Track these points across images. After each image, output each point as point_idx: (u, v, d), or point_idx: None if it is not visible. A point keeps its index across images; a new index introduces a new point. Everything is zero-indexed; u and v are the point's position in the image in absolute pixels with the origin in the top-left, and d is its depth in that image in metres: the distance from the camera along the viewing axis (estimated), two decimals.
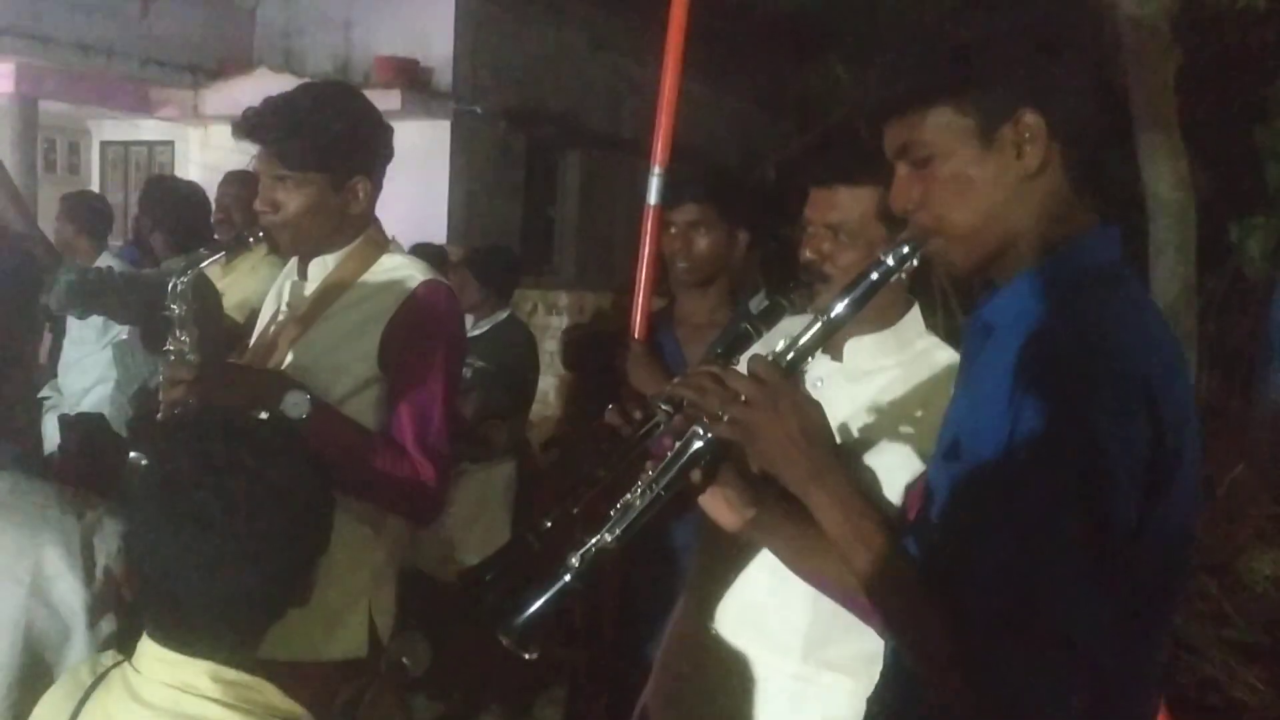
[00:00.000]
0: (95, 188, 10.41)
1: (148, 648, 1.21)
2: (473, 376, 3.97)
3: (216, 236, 3.80)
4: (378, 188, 2.07)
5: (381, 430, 2.01)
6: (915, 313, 1.73)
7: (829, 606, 1.60)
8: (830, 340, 1.70)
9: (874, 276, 1.25)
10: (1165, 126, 6.77)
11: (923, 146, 1.20)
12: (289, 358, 2.04)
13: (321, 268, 2.07)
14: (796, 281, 1.71)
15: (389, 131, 2.07)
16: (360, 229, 2.07)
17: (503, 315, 4.18)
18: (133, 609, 1.34)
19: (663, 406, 1.51)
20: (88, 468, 1.82)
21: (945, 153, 1.19)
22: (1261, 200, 6.94)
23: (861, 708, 1.70)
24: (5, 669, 1.32)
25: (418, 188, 9.89)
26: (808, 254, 1.70)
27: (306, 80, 2.16)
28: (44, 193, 9.73)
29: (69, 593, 1.34)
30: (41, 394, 4.05)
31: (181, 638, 1.19)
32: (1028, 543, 1.05)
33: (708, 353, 1.74)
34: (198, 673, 1.17)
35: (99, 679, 1.23)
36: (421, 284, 2.02)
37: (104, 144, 11.94)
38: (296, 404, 1.89)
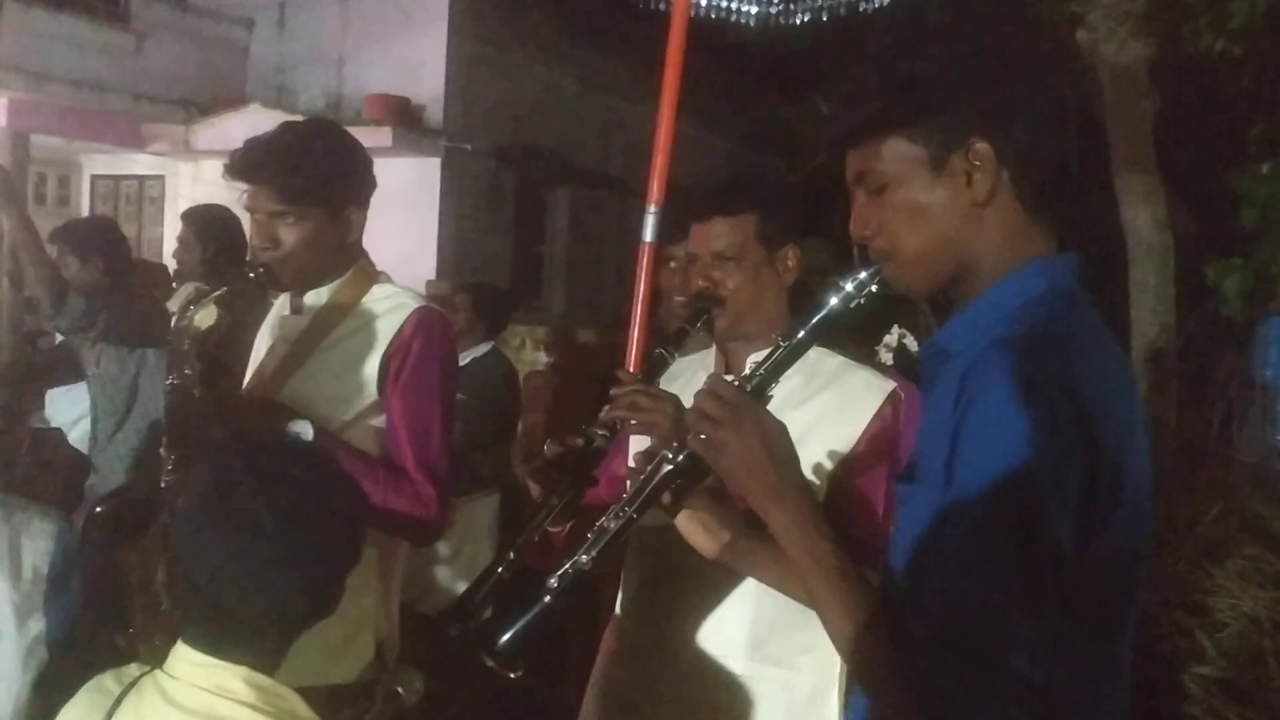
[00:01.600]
0: (86, 219, 10.42)
1: (183, 652, 1.25)
2: (456, 409, 4.00)
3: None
4: (366, 218, 2.13)
5: (382, 455, 2.04)
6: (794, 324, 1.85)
7: (770, 603, 1.67)
8: (731, 361, 1.87)
9: (834, 302, 1.29)
10: (1144, 169, 6.89)
11: (878, 175, 1.25)
12: (288, 389, 2.08)
13: (316, 299, 2.11)
14: (697, 310, 1.84)
15: (371, 163, 2.15)
16: (353, 260, 2.12)
17: (485, 348, 4.23)
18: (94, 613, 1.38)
19: (599, 432, 1.62)
20: (50, 482, 1.87)
21: (898, 181, 1.24)
22: (1238, 242, 7.04)
23: (808, 698, 1.76)
24: None
25: (408, 224, 9.95)
26: (699, 283, 1.85)
27: (288, 119, 2.22)
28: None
29: None
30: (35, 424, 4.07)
31: (218, 643, 1.24)
32: (964, 567, 1.08)
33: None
34: (232, 676, 1.22)
35: (129, 687, 1.26)
36: (415, 310, 2.07)
37: (95, 177, 11.97)
38: (300, 433, 1.93)
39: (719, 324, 1.85)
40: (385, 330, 2.05)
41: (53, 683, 1.39)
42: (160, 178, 11.22)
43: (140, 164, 11.15)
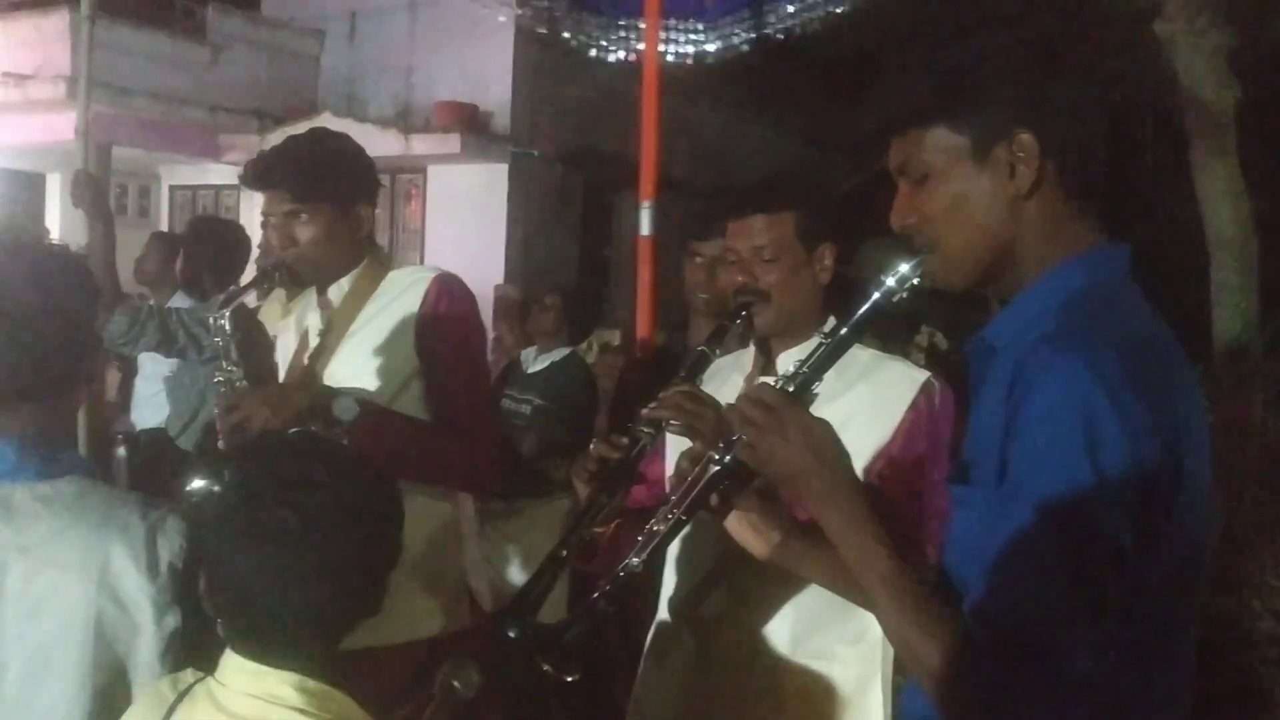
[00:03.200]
0: (165, 230, 10.69)
1: (231, 660, 1.26)
2: (532, 414, 4.02)
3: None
4: (375, 213, 2.30)
5: (432, 415, 2.18)
6: (831, 321, 1.83)
7: (812, 597, 1.69)
8: (766, 356, 1.88)
9: (876, 297, 1.27)
10: (1225, 163, 6.70)
11: (920, 165, 1.24)
12: (328, 376, 2.21)
13: (339, 291, 2.25)
14: (738, 306, 1.85)
15: (374, 165, 2.31)
16: (367, 252, 2.28)
17: (563, 352, 4.22)
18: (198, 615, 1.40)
19: (645, 430, 1.64)
20: (150, 480, 1.94)
21: (941, 171, 1.23)
22: None
23: (853, 690, 1.75)
24: (80, 661, 1.39)
25: (477, 229, 10.06)
26: (739, 279, 1.85)
27: (358, 127, 2.39)
28: (117, 236, 10.00)
29: (135, 589, 1.40)
30: (117, 429, 4.20)
31: (264, 650, 1.24)
32: (1023, 569, 1.06)
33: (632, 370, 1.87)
34: (281, 683, 1.22)
35: (183, 694, 1.28)
36: (435, 279, 2.23)
37: (173, 188, 12.27)
38: (346, 408, 2.05)
39: (759, 320, 1.85)
40: (410, 302, 2.19)
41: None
42: (236, 187, 11.43)
43: (216, 174, 11.40)
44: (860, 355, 1.82)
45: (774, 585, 1.74)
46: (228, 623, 1.27)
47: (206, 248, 4.04)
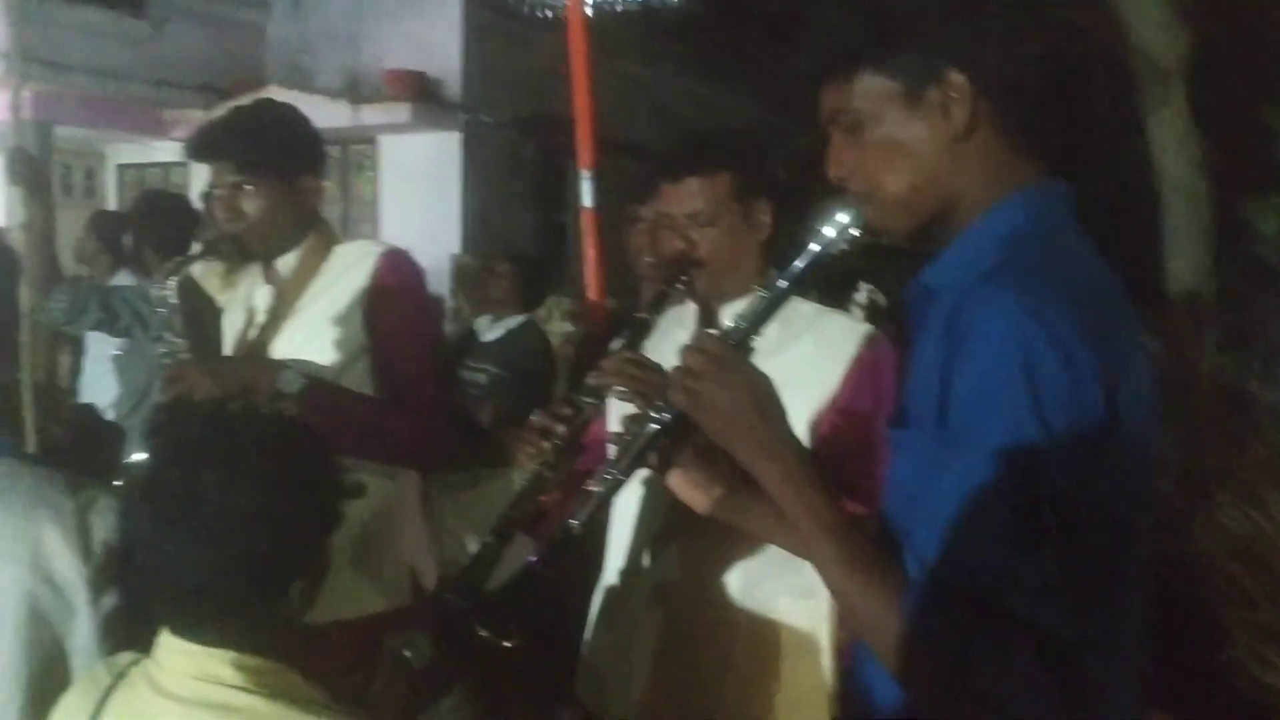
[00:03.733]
0: (114, 210, 10.50)
1: (167, 641, 1.22)
2: (489, 383, 3.98)
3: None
4: (322, 185, 2.27)
5: (379, 392, 2.15)
6: (773, 275, 1.84)
7: (760, 552, 1.70)
8: (707, 315, 1.85)
9: (815, 249, 1.24)
10: (1175, 109, 6.75)
11: (851, 112, 1.21)
12: (274, 352, 2.18)
13: (286, 265, 2.22)
14: (678, 271, 1.82)
15: (320, 136, 2.28)
16: (313, 225, 2.24)
17: (518, 321, 4.18)
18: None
19: (587, 399, 1.62)
20: (83, 457, 1.90)
21: (873, 118, 1.19)
22: (1275, 180, 6.89)
23: (799, 642, 1.74)
24: (15, 645, 1.36)
25: (430, 199, 9.96)
26: (676, 245, 1.82)
27: (307, 100, 2.33)
28: (62, 216, 9.79)
29: (69, 570, 1.37)
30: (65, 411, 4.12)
31: (197, 629, 1.21)
32: (961, 511, 1.04)
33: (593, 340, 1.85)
34: (220, 662, 1.19)
35: (119, 677, 1.24)
36: (383, 254, 2.20)
37: (120, 167, 12.03)
38: (291, 380, 2.03)
39: (698, 285, 1.83)
40: (358, 277, 2.16)
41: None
42: (184, 165, 11.20)
43: (163, 151, 11.17)
44: (803, 309, 1.81)
45: (720, 542, 1.73)
46: (158, 602, 1.24)
47: (153, 223, 3.95)
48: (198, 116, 10.29)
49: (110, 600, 1.39)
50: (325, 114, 6.88)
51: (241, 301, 2.34)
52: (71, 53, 9.05)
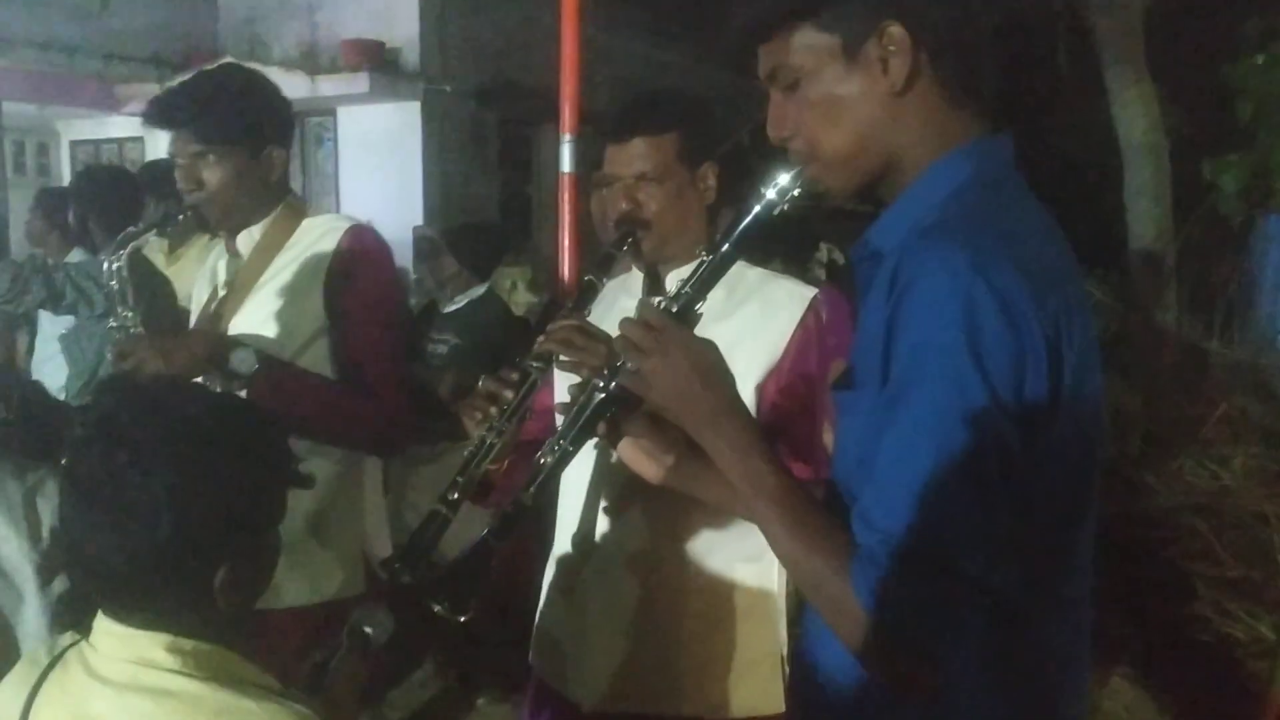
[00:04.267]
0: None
1: (101, 623, 1.19)
2: (448, 353, 3.95)
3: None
4: (290, 156, 2.18)
5: (336, 374, 2.09)
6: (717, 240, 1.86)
7: (710, 518, 1.71)
8: (654, 278, 1.84)
9: (756, 210, 1.22)
10: (1135, 68, 6.76)
11: (789, 70, 1.18)
12: (233, 328, 2.11)
13: (249, 239, 2.15)
14: (622, 234, 1.80)
15: (289, 104, 2.19)
16: (280, 197, 2.16)
17: (479, 291, 4.15)
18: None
19: (534, 365, 1.60)
20: (28, 435, 1.84)
21: (811, 74, 1.17)
22: (1235, 138, 6.94)
23: (749, 607, 1.78)
24: None
25: (391, 170, 9.84)
26: (623, 206, 1.80)
27: (201, 69, 2.25)
28: (15, 195, 9.61)
29: (15, 554, 1.34)
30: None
31: (129, 611, 1.17)
32: (906, 470, 1.03)
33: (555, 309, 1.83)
34: (153, 645, 1.16)
35: (56, 659, 1.21)
36: (348, 230, 2.12)
37: (74, 143, 11.79)
38: (244, 359, 1.96)
39: (644, 247, 1.81)
40: (321, 255, 2.09)
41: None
42: (140, 139, 11.04)
43: (117, 126, 10.97)
44: (748, 274, 1.80)
45: (671, 508, 1.71)
46: (85, 583, 1.20)
47: (94, 199, 3.88)
48: (151, 90, 10.10)
49: (59, 585, 1.36)
50: (283, 85, 6.73)
51: (207, 275, 2.28)
52: (17, 27, 8.83)
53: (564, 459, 1.35)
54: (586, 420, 1.33)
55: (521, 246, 10.59)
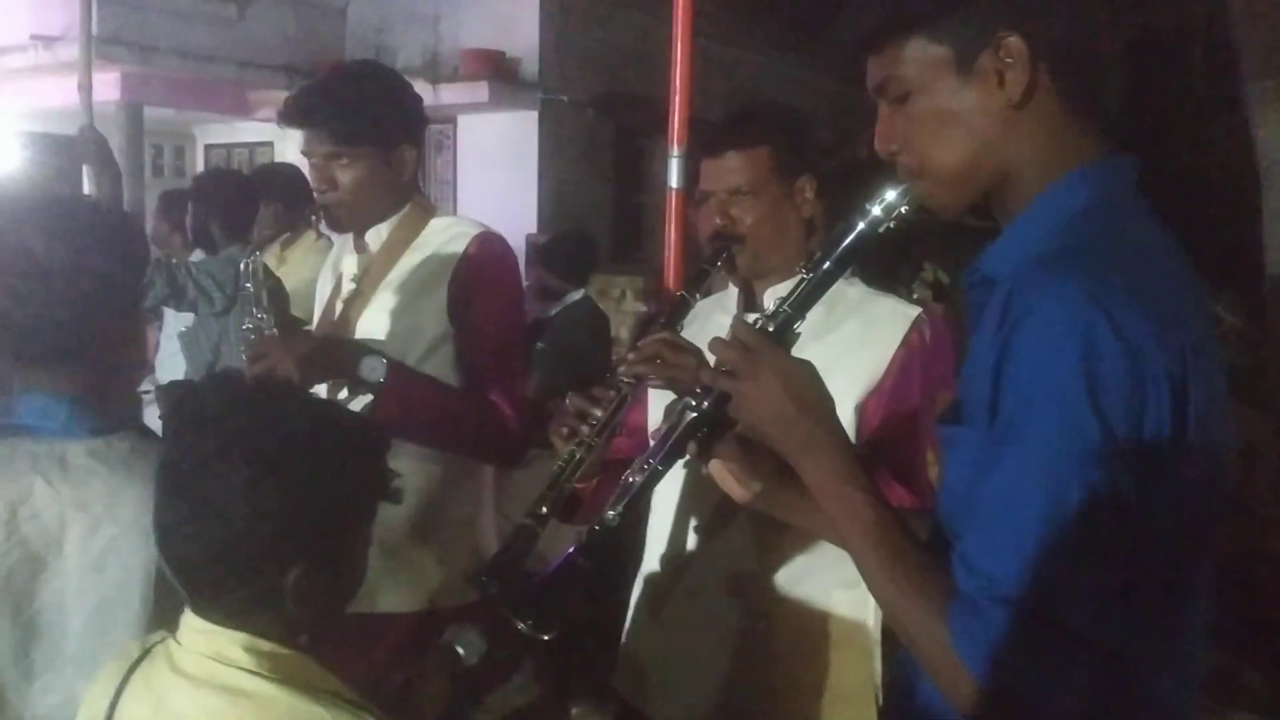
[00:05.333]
0: None
1: (189, 619, 1.21)
2: (537, 357, 3.99)
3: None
4: (421, 155, 2.17)
5: (459, 382, 2.07)
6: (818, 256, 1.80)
7: (806, 542, 1.66)
8: (749, 295, 1.80)
9: (861, 227, 1.18)
10: (1278, 86, 6.43)
11: (899, 82, 1.13)
12: (358, 328, 2.11)
13: (377, 237, 2.14)
14: (716, 250, 1.77)
15: (421, 101, 2.17)
16: (409, 195, 2.15)
17: (575, 296, 4.19)
18: None
19: (625, 381, 1.57)
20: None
21: (923, 87, 1.12)
22: None
23: (845, 633, 1.73)
24: (141, 616, 1.36)
25: (507, 178, 9.99)
26: (716, 221, 1.77)
27: (335, 68, 2.26)
28: (152, 196, 10.06)
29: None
30: (142, 388, 4.21)
31: (207, 606, 1.19)
32: (1014, 516, 0.96)
33: (651, 323, 1.80)
34: (231, 643, 1.17)
35: (145, 653, 1.24)
36: (476, 237, 2.10)
37: (207, 147, 12.31)
38: (373, 368, 1.96)
39: (739, 262, 1.77)
40: (448, 258, 2.07)
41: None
42: (269, 144, 11.46)
43: (248, 131, 11.41)
44: (849, 291, 1.76)
45: (765, 530, 1.68)
46: (174, 574, 1.22)
47: (212, 202, 4.02)
48: (281, 97, 10.41)
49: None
50: None
51: (328, 271, 2.30)
52: (160, 36, 9.24)
53: (653, 478, 1.32)
54: (677, 440, 1.30)
55: (632, 256, 10.65)
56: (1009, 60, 1.08)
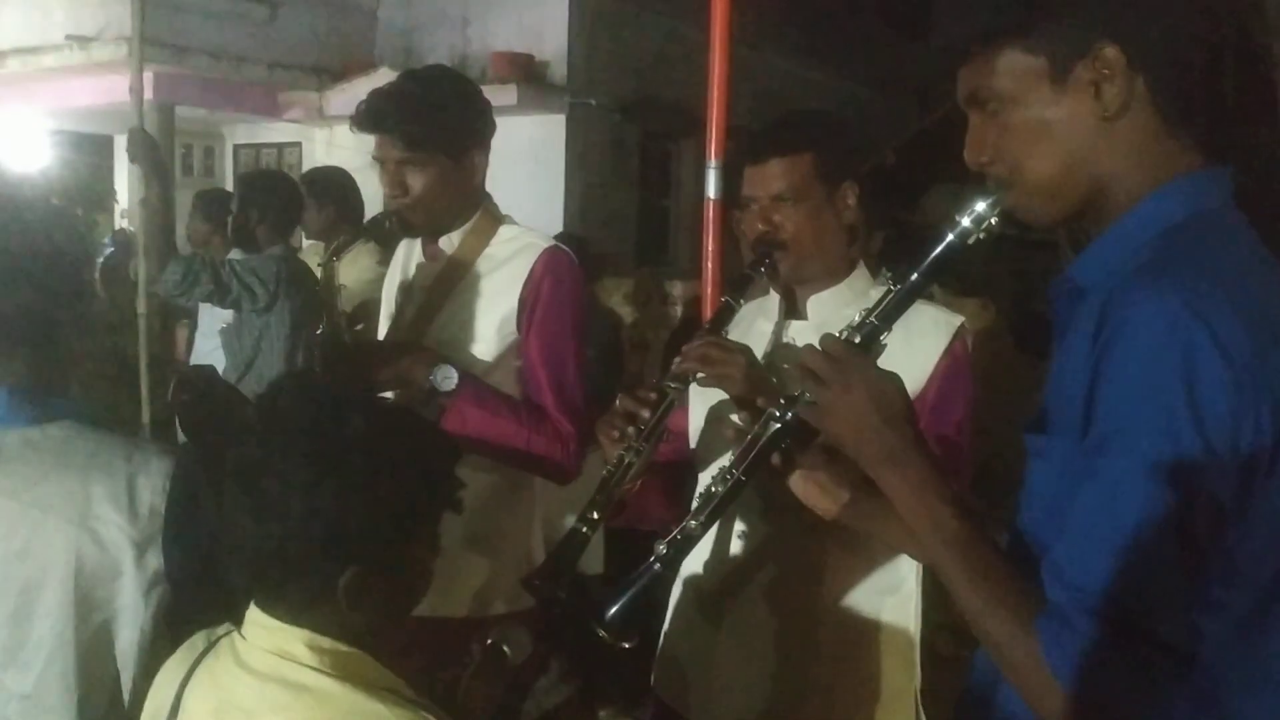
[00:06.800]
0: (230, 189, 10.80)
1: (253, 614, 1.24)
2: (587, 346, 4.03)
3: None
4: (489, 159, 2.17)
5: (522, 395, 2.09)
6: (862, 266, 1.84)
7: (848, 550, 1.68)
8: (790, 301, 1.81)
9: (950, 238, 1.17)
10: None
11: (992, 93, 1.13)
12: (429, 335, 2.13)
13: (448, 244, 2.16)
14: (759, 256, 1.78)
15: (489, 106, 2.19)
16: (479, 202, 2.17)
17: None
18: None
19: (672, 385, 1.58)
20: (205, 417, 1.93)
21: (1016, 97, 1.11)
22: None
23: (886, 641, 1.73)
24: (64, 603, 1.39)
25: (534, 180, 9.99)
26: (760, 227, 1.78)
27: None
28: (183, 195, 10.11)
29: (116, 531, 1.40)
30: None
31: (269, 601, 1.21)
32: (1105, 527, 0.96)
33: (693, 329, 1.81)
34: (294, 639, 1.19)
35: (211, 645, 1.26)
36: (545, 251, 2.11)
37: (237, 147, 12.38)
38: (447, 377, 1.98)
39: (782, 268, 1.79)
40: (518, 271, 2.09)
41: (182, 618, 1.42)
42: (298, 144, 11.53)
43: (278, 132, 11.47)
44: (871, 293, 1.76)
45: (809, 535, 1.68)
46: (241, 573, 1.25)
47: (258, 202, 4.07)
48: (311, 98, 10.52)
49: (154, 561, 1.42)
50: None
51: (395, 276, 2.30)
52: (192, 35, 9.31)
53: (737, 489, 1.32)
54: (760, 450, 1.30)
55: (658, 260, 10.66)
56: (1105, 71, 1.07)
